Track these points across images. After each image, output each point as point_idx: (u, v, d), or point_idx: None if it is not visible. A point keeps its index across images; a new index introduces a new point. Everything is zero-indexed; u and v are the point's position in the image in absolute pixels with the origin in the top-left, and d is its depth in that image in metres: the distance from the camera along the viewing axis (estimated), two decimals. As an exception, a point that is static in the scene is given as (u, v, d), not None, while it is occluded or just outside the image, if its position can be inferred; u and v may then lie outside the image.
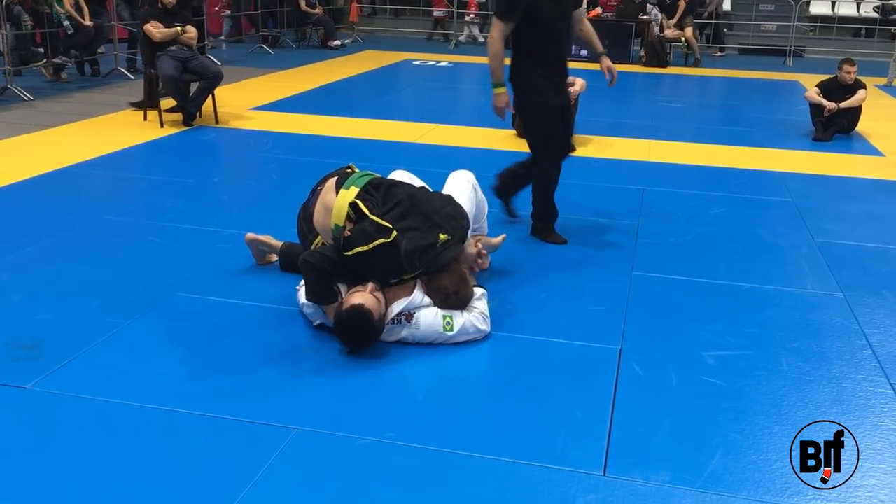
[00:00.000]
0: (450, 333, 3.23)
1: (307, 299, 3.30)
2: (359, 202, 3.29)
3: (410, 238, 3.23)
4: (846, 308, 3.72)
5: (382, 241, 3.17)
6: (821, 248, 4.53)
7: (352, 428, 2.66)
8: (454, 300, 3.25)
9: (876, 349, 3.34)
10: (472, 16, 15.69)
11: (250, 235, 4.00)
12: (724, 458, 2.57)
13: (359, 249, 3.16)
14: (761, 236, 4.75)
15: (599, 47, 4.54)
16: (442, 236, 3.31)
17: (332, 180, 3.49)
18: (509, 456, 2.54)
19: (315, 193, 3.53)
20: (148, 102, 7.49)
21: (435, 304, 3.26)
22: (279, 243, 3.99)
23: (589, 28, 4.56)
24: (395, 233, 3.20)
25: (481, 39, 15.51)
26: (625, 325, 3.48)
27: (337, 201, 3.33)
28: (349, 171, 3.57)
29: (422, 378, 3.05)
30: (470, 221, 3.57)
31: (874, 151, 7.17)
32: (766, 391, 2.99)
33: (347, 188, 3.37)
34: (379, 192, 3.40)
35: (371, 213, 3.27)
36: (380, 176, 3.60)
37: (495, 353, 3.25)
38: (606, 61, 4.45)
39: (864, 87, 7.59)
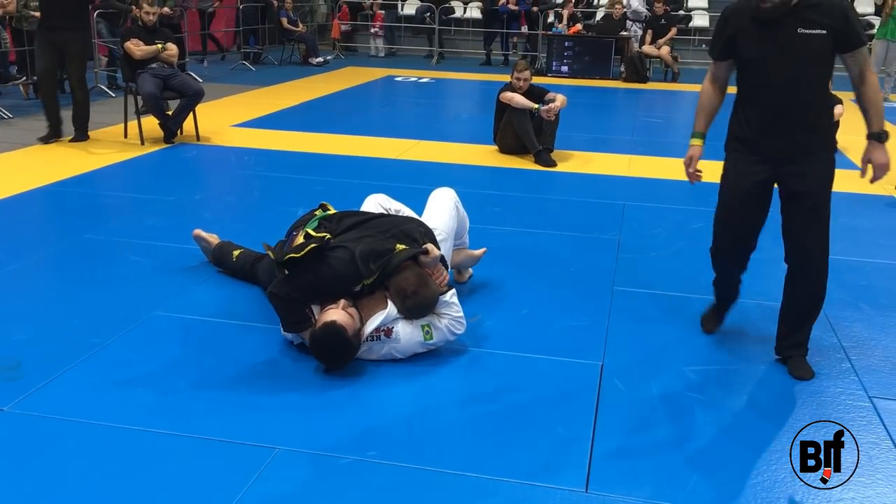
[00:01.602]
0: (431, 342, 3.25)
1: (284, 330, 3.30)
2: (309, 230, 3.37)
3: (366, 243, 3.28)
4: (825, 321, 3.75)
5: (314, 245, 3.18)
6: (799, 261, 4.57)
7: (333, 447, 2.65)
8: (412, 300, 3.19)
9: (854, 363, 3.37)
10: (376, 29, 15.85)
11: (197, 232, 4.23)
12: (706, 474, 2.58)
13: (291, 255, 3.19)
14: (741, 250, 4.79)
15: (873, 125, 3.03)
16: (399, 246, 3.33)
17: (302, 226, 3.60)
18: (492, 473, 2.54)
19: (290, 237, 3.60)
20: (53, 134, 7.05)
21: (397, 308, 3.23)
22: (217, 241, 4.17)
23: (869, 94, 3.03)
24: (328, 236, 3.24)
25: (381, 54, 15.81)
26: (606, 341, 3.50)
27: (296, 240, 3.42)
28: (316, 212, 3.68)
29: (403, 396, 3.04)
30: (435, 236, 3.59)
31: (851, 165, 7.22)
32: (747, 405, 3.01)
33: (304, 229, 3.47)
34: (332, 222, 3.51)
35: (316, 231, 3.35)
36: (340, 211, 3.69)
37: (477, 370, 3.25)
38: (871, 151, 3.03)
39: (840, 102, 7.68)
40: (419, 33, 16.03)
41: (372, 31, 15.88)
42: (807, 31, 2.92)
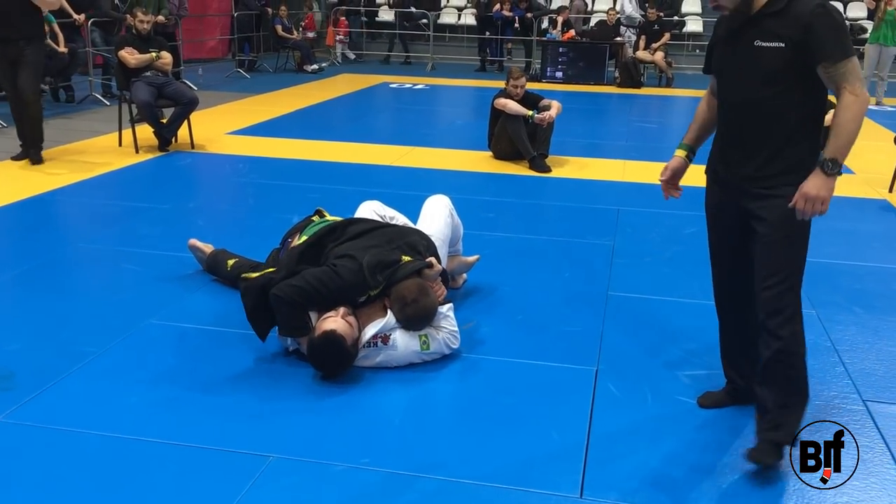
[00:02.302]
0: (428, 352, 3.25)
1: (280, 334, 3.29)
2: (304, 237, 3.42)
3: (373, 254, 3.30)
4: (819, 325, 3.76)
5: (270, 272, 3.31)
6: (793, 265, 4.57)
7: (327, 454, 2.65)
8: (412, 308, 3.21)
9: (848, 366, 3.37)
10: (341, 36, 15.91)
11: (192, 242, 4.22)
12: (700, 479, 2.58)
13: (246, 275, 3.42)
14: (735, 255, 4.79)
15: (825, 151, 2.46)
16: (405, 258, 3.35)
17: (298, 233, 3.64)
18: (486, 480, 2.54)
19: (285, 245, 3.62)
20: (27, 153, 6.62)
21: (395, 317, 3.24)
22: (211, 250, 4.18)
23: (836, 115, 2.48)
24: (270, 270, 3.39)
25: (352, 57, 15.95)
26: (601, 346, 3.50)
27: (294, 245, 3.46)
28: (314, 218, 3.72)
29: (397, 403, 3.04)
30: (436, 248, 3.61)
31: (845, 169, 7.24)
32: (741, 410, 3.00)
33: (302, 236, 3.49)
34: (337, 230, 3.53)
35: (308, 241, 3.45)
36: (340, 219, 3.72)
37: (471, 376, 3.25)
38: (809, 177, 2.45)
39: (833, 107, 7.70)
40: (401, 38, 16.07)
41: (337, 38, 15.93)
42: (763, 44, 2.48)
